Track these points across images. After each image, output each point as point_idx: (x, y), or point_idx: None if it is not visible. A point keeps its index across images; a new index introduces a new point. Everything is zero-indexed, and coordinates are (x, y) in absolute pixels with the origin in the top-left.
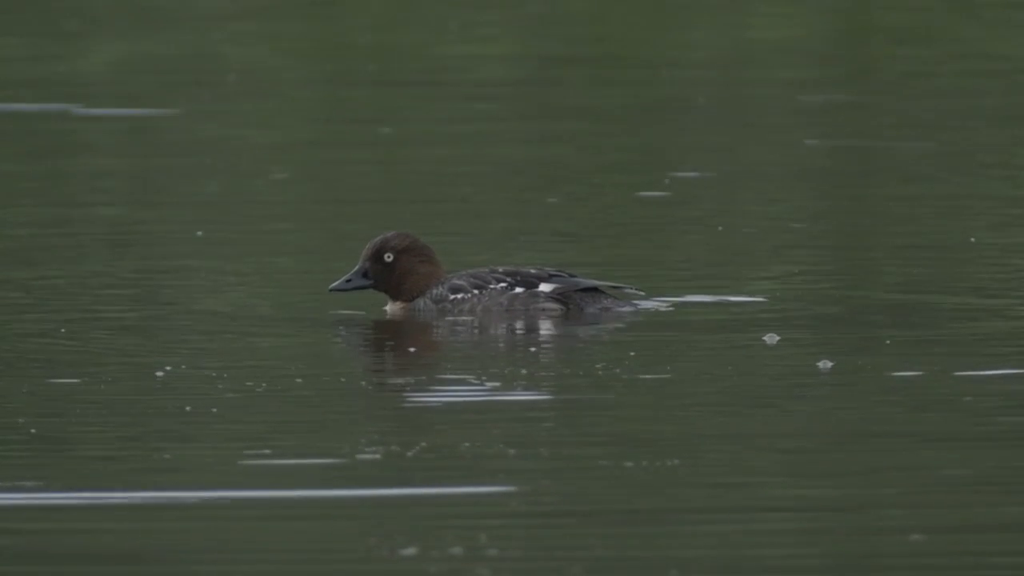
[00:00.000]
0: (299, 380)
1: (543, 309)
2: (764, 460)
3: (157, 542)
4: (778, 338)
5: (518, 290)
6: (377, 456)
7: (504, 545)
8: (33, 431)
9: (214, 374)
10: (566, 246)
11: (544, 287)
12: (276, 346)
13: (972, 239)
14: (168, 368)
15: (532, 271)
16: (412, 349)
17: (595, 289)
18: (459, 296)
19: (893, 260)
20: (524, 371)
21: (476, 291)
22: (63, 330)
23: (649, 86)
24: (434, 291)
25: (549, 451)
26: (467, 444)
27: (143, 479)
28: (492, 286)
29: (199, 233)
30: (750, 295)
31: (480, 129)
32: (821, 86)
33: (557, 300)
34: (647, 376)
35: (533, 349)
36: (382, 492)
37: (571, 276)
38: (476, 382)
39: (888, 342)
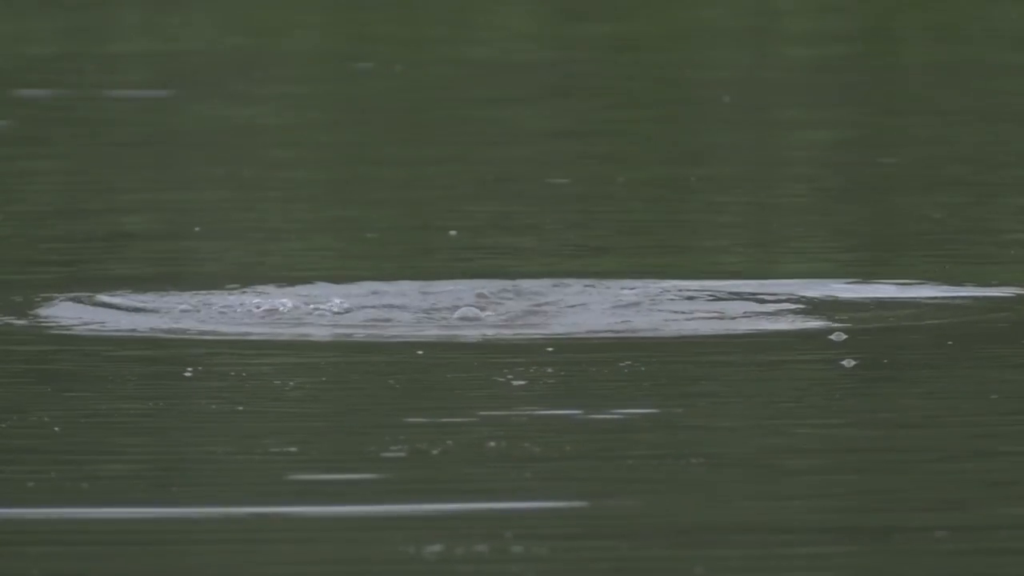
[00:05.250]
0: (324, 378)
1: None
2: (810, 478)
3: (178, 560)
4: (845, 336)
5: None
6: (410, 467)
7: (534, 561)
8: (57, 429)
9: (241, 373)
10: (595, 237)
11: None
12: (301, 343)
13: None
14: (198, 368)
15: None
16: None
17: None
18: None
19: (933, 253)
20: (548, 369)
21: None
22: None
23: (673, 69)
24: None
25: (592, 467)
26: (506, 457)
27: (162, 494)
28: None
29: (197, 229)
30: (785, 288)
31: (505, 116)
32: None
33: None
34: (673, 383)
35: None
36: (420, 507)
37: None
38: (509, 389)
39: (950, 343)
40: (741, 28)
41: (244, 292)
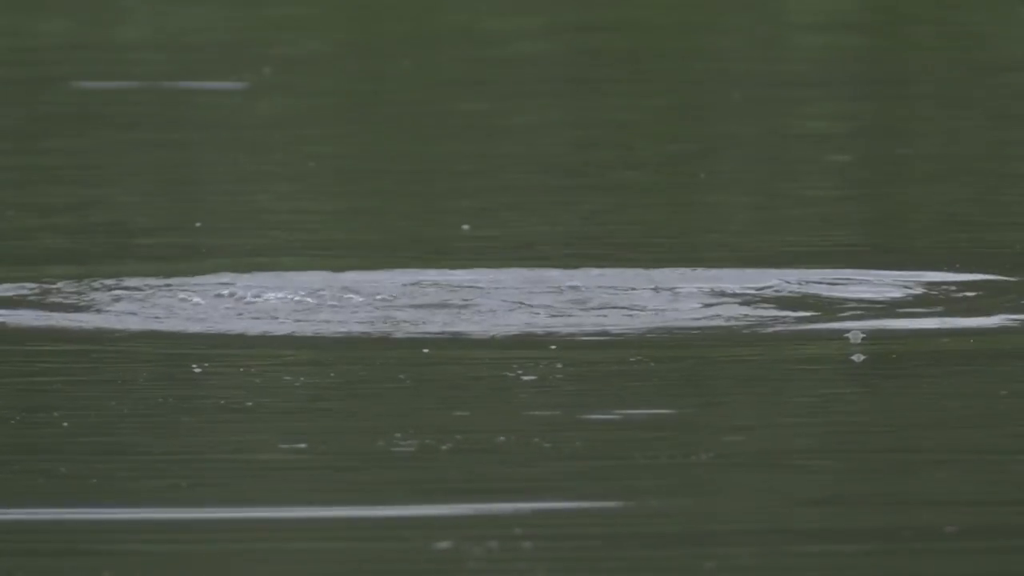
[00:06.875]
0: (332, 375)
1: None
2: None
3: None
4: (863, 335)
5: None
6: (419, 466)
7: (544, 560)
8: (65, 425)
9: (250, 369)
10: (600, 233)
11: None
12: (315, 338)
13: None
14: (206, 365)
15: None
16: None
17: None
18: None
19: (945, 240)
20: (559, 366)
21: None
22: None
23: (685, 60)
24: None
25: (602, 466)
26: (515, 457)
27: (173, 492)
28: None
29: (198, 224)
30: (793, 282)
31: (516, 108)
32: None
33: None
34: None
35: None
36: (429, 508)
37: None
38: (518, 387)
39: (972, 341)
40: (752, 18)
41: (250, 287)
